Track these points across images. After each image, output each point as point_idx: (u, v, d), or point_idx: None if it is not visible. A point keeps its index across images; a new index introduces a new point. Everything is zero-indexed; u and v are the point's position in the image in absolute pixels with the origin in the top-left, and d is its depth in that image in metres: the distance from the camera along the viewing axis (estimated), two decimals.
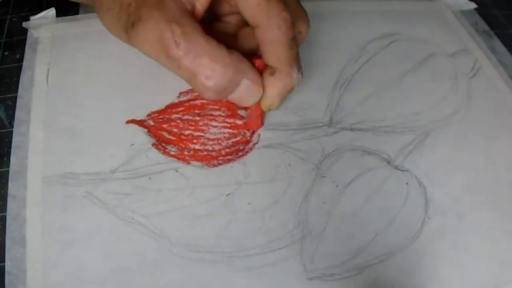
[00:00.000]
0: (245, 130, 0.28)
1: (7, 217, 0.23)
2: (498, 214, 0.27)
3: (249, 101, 0.24)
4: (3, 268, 0.22)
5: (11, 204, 0.24)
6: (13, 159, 0.25)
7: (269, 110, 0.26)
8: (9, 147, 0.26)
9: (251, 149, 0.27)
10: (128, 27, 0.22)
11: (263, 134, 0.28)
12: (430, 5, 0.38)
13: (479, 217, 0.26)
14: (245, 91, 0.23)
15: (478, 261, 0.25)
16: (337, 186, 0.26)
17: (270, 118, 0.28)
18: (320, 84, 0.31)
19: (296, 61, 0.24)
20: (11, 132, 0.26)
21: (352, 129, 0.29)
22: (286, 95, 0.25)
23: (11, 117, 0.27)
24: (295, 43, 0.23)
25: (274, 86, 0.24)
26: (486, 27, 0.37)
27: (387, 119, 0.30)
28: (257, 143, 0.27)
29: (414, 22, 0.36)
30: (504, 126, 0.31)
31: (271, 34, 0.22)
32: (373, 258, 0.24)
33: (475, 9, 0.39)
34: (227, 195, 0.25)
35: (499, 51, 0.36)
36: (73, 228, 0.23)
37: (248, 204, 0.25)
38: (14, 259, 0.22)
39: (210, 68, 0.21)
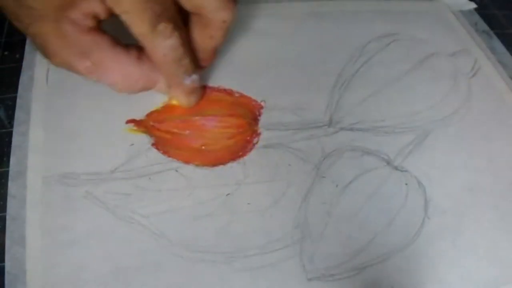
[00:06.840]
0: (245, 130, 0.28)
1: (7, 217, 0.23)
2: (498, 214, 0.27)
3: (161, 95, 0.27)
4: (3, 268, 0.22)
5: (11, 204, 0.24)
6: (13, 159, 0.25)
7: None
8: (9, 147, 0.26)
9: (251, 149, 0.27)
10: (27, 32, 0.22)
11: (263, 134, 0.28)
12: (430, 5, 0.38)
13: (479, 217, 0.26)
14: (157, 91, 0.26)
15: (478, 261, 0.25)
16: (336, 186, 0.26)
17: (270, 118, 0.28)
18: (320, 84, 0.31)
19: (187, 71, 0.24)
20: (11, 132, 0.26)
21: (351, 129, 0.29)
22: (192, 95, 0.27)
23: (11, 117, 0.27)
24: (185, 57, 0.23)
25: (175, 94, 0.27)
26: (486, 27, 0.37)
27: (386, 119, 0.30)
28: (257, 143, 0.27)
29: (414, 22, 0.36)
30: (504, 126, 0.31)
31: (157, 58, 0.23)
32: (373, 258, 0.24)
33: (475, 9, 0.39)
34: (227, 195, 0.25)
35: (499, 51, 0.36)
36: (73, 228, 0.23)
37: (248, 204, 0.25)
38: (14, 259, 0.22)
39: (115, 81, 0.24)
